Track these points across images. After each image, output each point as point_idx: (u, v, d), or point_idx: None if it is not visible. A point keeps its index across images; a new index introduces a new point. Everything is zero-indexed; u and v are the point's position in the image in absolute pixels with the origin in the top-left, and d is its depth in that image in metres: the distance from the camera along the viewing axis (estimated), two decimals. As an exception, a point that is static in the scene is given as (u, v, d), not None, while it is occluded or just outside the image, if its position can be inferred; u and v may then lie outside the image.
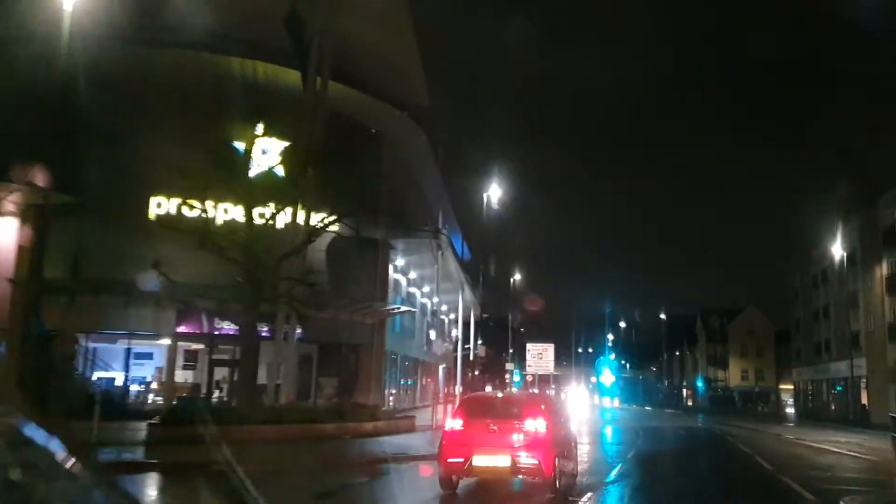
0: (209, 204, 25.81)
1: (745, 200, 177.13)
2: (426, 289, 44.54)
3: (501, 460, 11.32)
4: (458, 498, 12.05)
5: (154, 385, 31.32)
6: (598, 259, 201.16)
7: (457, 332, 50.01)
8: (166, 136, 24.02)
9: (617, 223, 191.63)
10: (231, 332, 27.32)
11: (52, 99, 19.09)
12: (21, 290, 21.11)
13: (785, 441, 30.26)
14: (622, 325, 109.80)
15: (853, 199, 52.06)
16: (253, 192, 22.30)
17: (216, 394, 30.22)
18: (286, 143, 25.54)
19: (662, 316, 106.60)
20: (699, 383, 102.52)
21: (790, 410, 78.50)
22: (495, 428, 11.60)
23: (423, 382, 48.38)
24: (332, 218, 23.33)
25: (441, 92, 40.71)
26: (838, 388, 61.17)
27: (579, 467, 14.58)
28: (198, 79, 24.43)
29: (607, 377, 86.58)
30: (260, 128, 25.02)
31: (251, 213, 22.02)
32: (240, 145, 22.74)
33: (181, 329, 28.40)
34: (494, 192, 38.52)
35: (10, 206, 21.93)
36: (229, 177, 21.94)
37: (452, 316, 52.69)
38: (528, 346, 48.63)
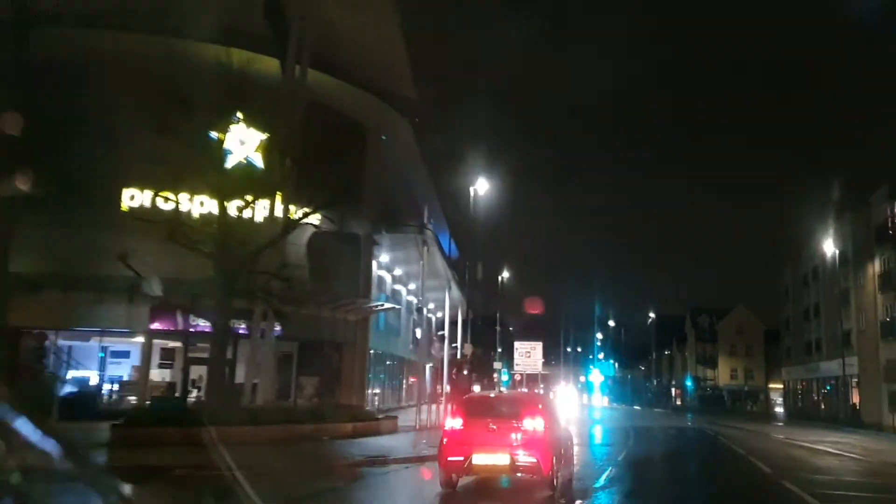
0: (184, 196, 24.99)
1: (735, 200, 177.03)
2: (412, 286, 43.59)
3: (501, 459, 11.51)
4: (457, 496, 12.12)
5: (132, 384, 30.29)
6: (588, 258, 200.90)
7: (443, 331, 49.15)
8: (138, 126, 22.98)
9: (606, 222, 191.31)
10: (208, 330, 26.32)
11: (15, 87, 18.15)
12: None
13: (778, 441, 29.46)
14: (611, 324, 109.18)
15: (844, 196, 51.51)
16: (227, 182, 21.34)
17: (194, 393, 29.24)
18: (264, 134, 24.63)
19: (652, 315, 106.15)
20: (688, 382, 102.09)
21: (779, 410, 78.09)
22: (494, 427, 11.76)
23: (409, 382, 47.45)
24: (307, 210, 22.34)
25: (429, 86, 39.71)
26: (828, 388, 60.64)
27: None
28: (169, 66, 23.39)
29: (596, 377, 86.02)
30: (237, 117, 24.23)
31: (224, 204, 21.06)
32: (214, 135, 21.83)
33: (155, 326, 27.35)
34: (482, 188, 37.59)
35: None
36: (202, 167, 20.98)
37: (440, 314, 51.80)
38: (516, 344, 47.76)
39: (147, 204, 26.47)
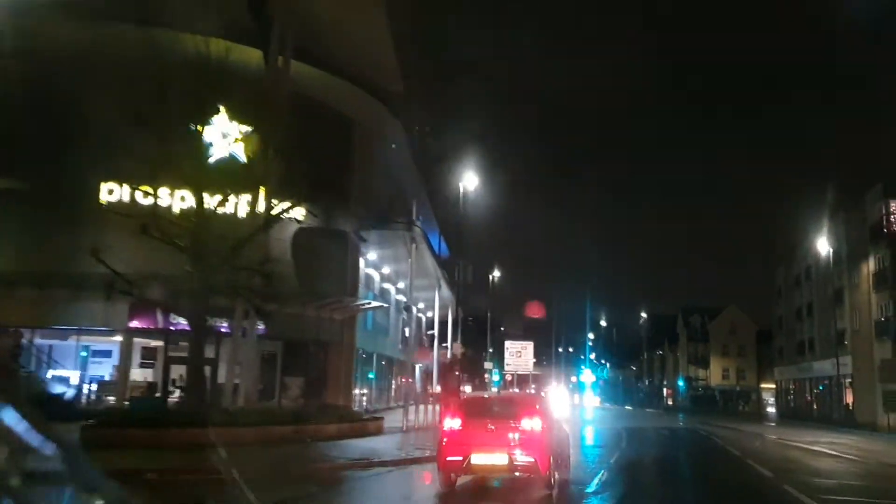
0: (164, 191, 24.30)
1: (728, 199, 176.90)
2: (401, 285, 42.85)
3: (499, 458, 11.68)
4: (455, 496, 12.25)
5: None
6: (579, 258, 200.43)
7: (433, 331, 48.49)
8: (115, 119, 22.22)
9: (598, 222, 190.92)
10: (189, 329, 25.62)
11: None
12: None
13: (774, 442, 28.81)
14: (603, 323, 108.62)
15: (839, 195, 51.03)
16: (206, 175, 20.61)
17: (176, 393, 28.50)
18: (247, 127, 23.95)
19: (643, 315, 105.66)
20: (680, 382, 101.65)
21: (771, 410, 77.65)
22: (493, 427, 11.94)
23: (399, 382, 46.69)
24: (288, 204, 21.62)
25: (418, 82, 38.85)
26: (820, 388, 60.17)
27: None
28: (147, 57, 22.70)
29: (588, 377, 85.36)
30: (219, 110, 23.53)
31: (202, 197, 20.33)
32: (192, 127, 21.12)
33: (134, 324, 26.59)
34: (472, 185, 36.89)
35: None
36: (180, 159, 20.25)
37: (430, 314, 51.11)
38: (507, 344, 47.06)
39: (126, 199, 25.71)
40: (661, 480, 16.43)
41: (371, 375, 41.19)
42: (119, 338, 27.61)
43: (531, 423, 11.94)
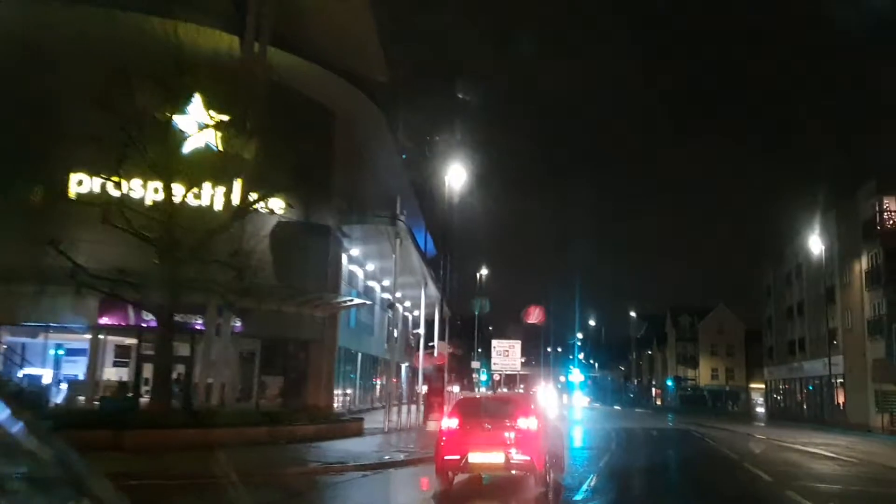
0: (137, 182, 23.28)
1: (717, 198, 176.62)
2: (386, 282, 41.80)
3: (496, 457, 11.86)
4: (453, 494, 12.36)
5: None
6: (568, 258, 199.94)
7: (419, 330, 47.46)
8: (84, 107, 21.14)
9: (587, 221, 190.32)
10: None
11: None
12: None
13: (768, 444, 27.84)
14: (592, 323, 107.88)
15: (830, 192, 50.38)
16: (173, 164, 19.56)
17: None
18: (222, 116, 22.91)
19: (632, 314, 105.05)
20: (669, 382, 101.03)
21: (760, 410, 77.00)
22: (489, 427, 12.17)
23: (384, 382, 45.62)
24: (259, 195, 20.61)
25: (404, 75, 37.87)
26: (810, 388, 59.54)
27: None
28: (114, 41, 21.68)
29: (576, 376, 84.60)
30: (192, 97, 22.47)
31: (170, 186, 19.31)
32: (162, 114, 20.10)
33: (104, 321, 25.46)
34: (459, 181, 35.91)
35: None
36: (148, 147, 19.21)
37: (417, 313, 50.08)
38: (494, 343, 46.16)
39: (97, 189, 24.62)
40: (655, 487, 15.32)
41: (356, 376, 40.25)
42: (100, 335, 26.53)
43: (527, 423, 12.12)
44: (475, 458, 11.93)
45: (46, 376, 27.55)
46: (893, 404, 41.46)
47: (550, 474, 12.48)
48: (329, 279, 30.14)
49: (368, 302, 36.29)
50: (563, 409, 60.34)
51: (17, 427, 1.69)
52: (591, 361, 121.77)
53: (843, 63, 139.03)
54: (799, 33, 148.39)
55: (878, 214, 43.94)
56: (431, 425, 29.15)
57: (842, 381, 49.93)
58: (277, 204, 26.96)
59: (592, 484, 14.13)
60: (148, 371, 27.26)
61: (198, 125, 21.89)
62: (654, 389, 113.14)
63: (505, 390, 60.90)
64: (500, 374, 52.85)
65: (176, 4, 22.13)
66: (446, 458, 12.15)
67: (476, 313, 59.63)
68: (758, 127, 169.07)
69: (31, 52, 22.87)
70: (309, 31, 27.89)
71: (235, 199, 22.34)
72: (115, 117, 18.37)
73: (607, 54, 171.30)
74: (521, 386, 77.28)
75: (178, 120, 21.21)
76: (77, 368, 28.75)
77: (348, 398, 37.45)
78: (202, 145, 22.08)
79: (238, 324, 26.06)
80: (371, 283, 41.70)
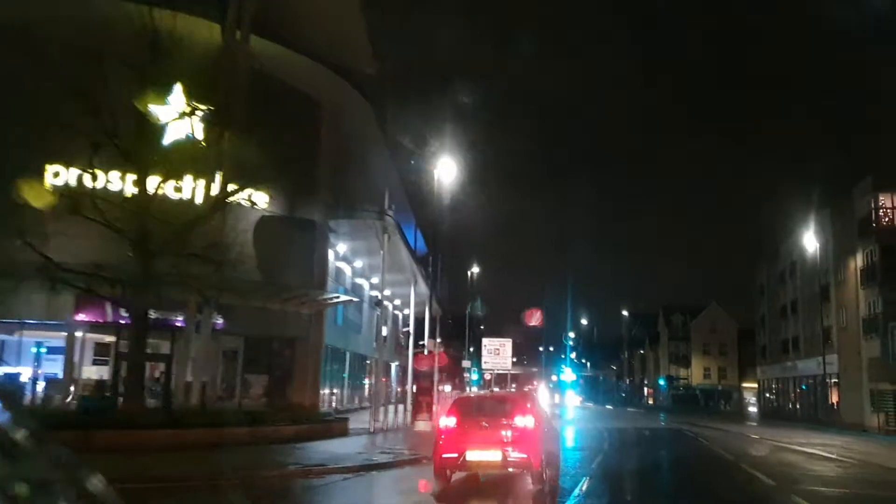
0: (115, 174, 22.51)
1: (710, 197, 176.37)
2: (375, 280, 41.02)
3: (493, 455, 11.95)
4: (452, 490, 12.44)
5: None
6: (560, 257, 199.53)
7: (408, 328, 46.77)
8: (54, 95, 20.34)
9: (582, 221, 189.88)
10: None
11: None
12: None
13: (765, 444, 27.08)
14: (584, 322, 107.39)
15: (825, 190, 49.81)
16: (148, 154, 18.78)
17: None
18: (203, 105, 22.14)
19: (625, 313, 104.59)
20: (661, 382, 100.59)
21: (752, 409, 76.51)
22: (487, 425, 12.30)
23: (373, 381, 44.85)
24: (237, 186, 19.85)
25: (391, 65, 37.09)
26: (803, 387, 59.03)
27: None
28: (83, 24, 20.87)
29: (568, 376, 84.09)
30: (170, 86, 21.68)
31: (145, 177, 18.53)
32: (138, 104, 19.31)
33: (80, 317, 24.63)
34: (451, 177, 35.16)
35: None
36: (119, 137, 18.43)
37: (407, 311, 49.35)
38: (484, 341, 45.38)
39: (73, 182, 23.80)
40: (650, 492, 14.53)
41: (344, 375, 39.55)
42: (77, 332, 25.72)
43: (524, 421, 12.24)
44: (473, 456, 11.99)
45: (25, 374, 26.71)
46: (889, 404, 40.88)
47: (546, 473, 12.56)
48: (315, 275, 29.36)
49: (356, 299, 35.51)
50: (555, 409, 59.66)
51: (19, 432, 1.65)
52: (584, 361, 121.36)
53: (842, 61, 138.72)
54: (800, 33, 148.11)
55: (873, 211, 43.34)
56: (419, 425, 28.47)
57: (836, 380, 49.37)
58: (262, 198, 26.33)
59: (584, 488, 13.40)
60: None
61: (176, 114, 21.12)
62: (646, 389, 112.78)
63: (496, 390, 60.24)
64: (491, 374, 52.09)
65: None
66: (444, 456, 12.20)
67: (468, 313, 58.97)
68: (754, 126, 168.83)
69: (8, 43, 22.02)
70: (295, 20, 27.10)
71: (215, 191, 21.56)
72: (87, 104, 17.60)
73: (605, 52, 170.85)
74: (513, 385, 76.60)
75: (156, 109, 20.43)
76: (57, 366, 27.87)
77: (336, 398, 36.72)
78: (180, 135, 21.32)
79: (220, 321, 25.29)
80: (359, 281, 40.95)
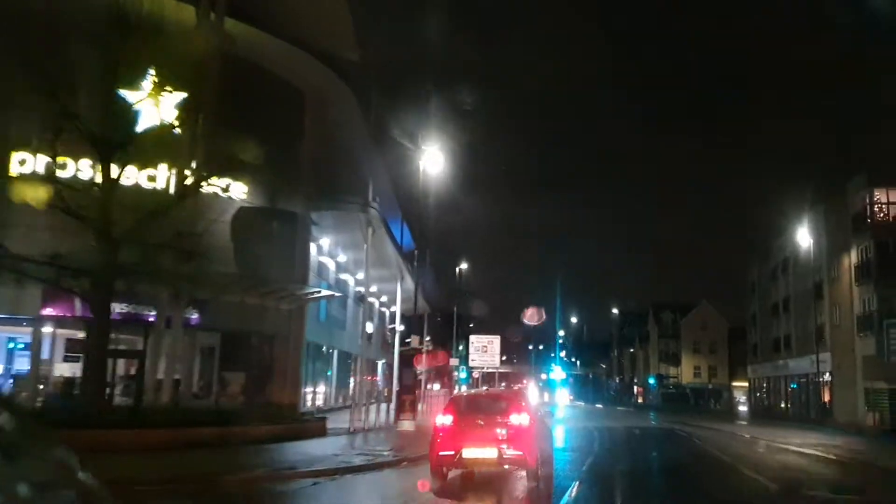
0: (86, 162, 21.47)
1: (700, 194, 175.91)
2: (361, 275, 39.94)
3: (489, 452, 12.10)
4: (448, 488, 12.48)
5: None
6: (549, 254, 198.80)
7: (394, 325, 45.74)
8: (13, 75, 19.26)
9: (570, 218, 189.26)
10: (116, 317, 22.62)
11: None
12: None
13: (760, 445, 26.17)
14: (573, 320, 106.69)
15: (818, 185, 49.10)
16: (113, 138, 17.73)
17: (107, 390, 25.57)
18: (172, 91, 21.15)
19: (615, 311, 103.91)
20: (651, 380, 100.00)
21: (743, 408, 75.82)
22: (482, 423, 12.50)
23: (358, 379, 43.80)
24: (205, 173, 18.85)
25: (377, 54, 36.06)
26: (794, 385, 58.39)
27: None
28: (48, 4, 19.83)
29: (558, 374, 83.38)
30: (141, 68, 20.62)
31: (109, 162, 17.49)
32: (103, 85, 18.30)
33: (48, 312, 23.53)
34: (440, 173, 34.23)
35: None
36: (82, 119, 17.41)
37: (394, 309, 48.33)
38: (472, 338, 44.41)
39: (36, 169, 22.71)
40: (646, 498, 13.55)
41: (329, 372, 38.62)
42: (47, 328, 24.65)
43: (519, 419, 12.42)
44: (469, 453, 12.11)
45: (-4, 371, 25.77)
46: (884, 403, 40.15)
47: (541, 469, 12.72)
48: (296, 269, 28.31)
49: (338, 294, 34.45)
50: (545, 407, 58.76)
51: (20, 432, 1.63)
52: (573, 359, 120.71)
53: (838, 58, 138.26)
54: (801, 34, 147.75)
55: (868, 207, 42.59)
56: (403, 425, 27.52)
57: (829, 379, 48.65)
58: (240, 188, 25.38)
59: (574, 494, 12.45)
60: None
61: (144, 97, 20.11)
62: (635, 387, 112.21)
63: (486, 388, 59.33)
64: (479, 372, 51.18)
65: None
66: (441, 453, 12.33)
67: (456, 311, 58.05)
68: (747, 124, 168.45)
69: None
70: (276, 5, 26.12)
71: (186, 180, 20.53)
72: (46, 84, 16.57)
73: (590, 46, 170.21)
74: (503, 384, 75.72)
75: (123, 92, 19.38)
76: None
77: (319, 396, 35.75)
78: (149, 120, 20.29)
79: (195, 316, 24.27)
80: (344, 276, 39.90)
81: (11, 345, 27.38)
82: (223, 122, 20.45)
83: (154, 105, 20.40)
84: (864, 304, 43.20)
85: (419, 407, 35.15)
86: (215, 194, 24.87)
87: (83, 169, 21.42)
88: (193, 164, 20.70)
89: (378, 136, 39.44)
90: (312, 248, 31.34)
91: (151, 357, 22.85)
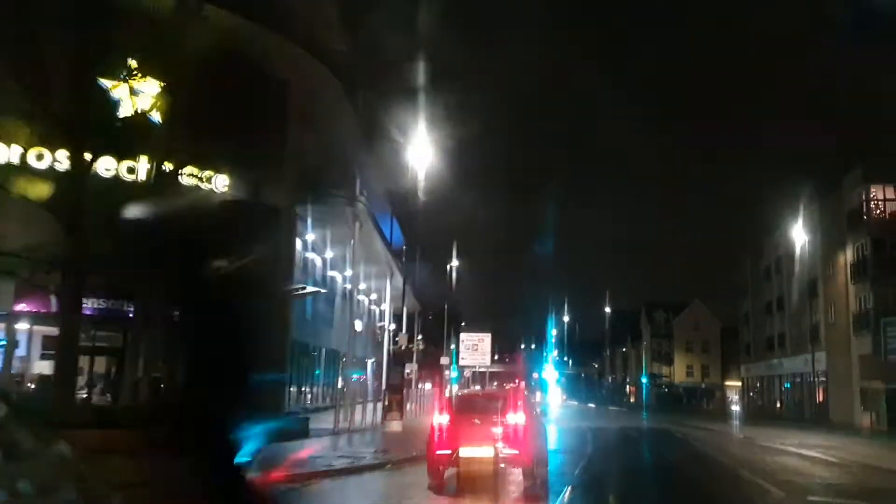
0: (63, 153, 20.69)
1: (693, 192, 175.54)
2: (349, 272, 39.13)
3: (486, 451, 12.18)
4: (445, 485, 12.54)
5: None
6: (541, 253, 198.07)
7: (383, 323, 44.95)
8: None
9: (560, 216, 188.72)
10: (88, 312, 21.90)
11: None
12: None
13: (759, 447, 25.24)
14: (566, 319, 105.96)
15: (813, 182, 48.49)
16: (84, 124, 16.90)
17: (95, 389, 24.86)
18: (147, 79, 20.40)
19: (607, 310, 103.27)
20: (644, 380, 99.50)
21: (735, 408, 75.28)
22: (479, 422, 12.74)
23: (347, 378, 42.95)
24: (178, 162, 18.07)
25: (367, 45, 35.22)
26: (787, 385, 57.90)
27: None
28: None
29: (550, 373, 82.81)
30: (120, 55, 19.84)
31: (80, 151, 16.68)
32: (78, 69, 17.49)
33: (21, 307, 22.73)
34: (428, 165, 33.46)
35: None
36: (51, 104, 16.59)
37: (384, 307, 47.54)
38: (462, 336, 43.55)
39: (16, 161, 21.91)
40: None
41: (317, 371, 37.86)
42: (24, 325, 23.89)
43: (515, 418, 12.54)
44: (466, 452, 12.20)
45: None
46: (880, 403, 39.55)
47: (537, 468, 12.94)
48: (280, 265, 27.51)
49: (323, 290, 33.64)
50: (537, 407, 58.08)
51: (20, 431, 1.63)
52: (566, 358, 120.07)
53: (838, 57, 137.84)
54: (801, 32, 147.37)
55: (864, 203, 42.04)
56: (391, 425, 26.76)
57: (824, 378, 48.08)
58: (222, 180, 24.73)
59: (567, 498, 11.69)
60: (82, 363, 24.73)
61: (119, 83, 19.30)
62: (628, 386, 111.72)
63: (478, 388, 58.59)
64: (470, 371, 50.40)
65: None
66: (438, 452, 12.50)
67: (447, 308, 57.17)
68: (741, 121, 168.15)
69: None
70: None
71: (164, 171, 19.74)
72: (11, 68, 15.76)
73: (584, 46, 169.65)
74: (494, 383, 75.03)
75: (96, 77, 18.58)
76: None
77: (306, 395, 34.96)
78: (123, 106, 19.52)
79: (177, 312, 23.50)
80: (332, 273, 39.07)
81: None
82: (204, 112, 19.69)
83: (129, 92, 19.69)
84: (860, 303, 42.65)
85: (408, 407, 34.42)
86: (196, 186, 24.20)
87: (60, 160, 20.73)
88: (170, 154, 19.99)
89: (368, 131, 38.68)
90: (298, 243, 30.61)
91: (130, 355, 22.12)
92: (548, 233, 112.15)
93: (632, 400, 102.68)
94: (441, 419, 12.89)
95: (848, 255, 44.14)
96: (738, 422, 51.03)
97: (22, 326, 23.90)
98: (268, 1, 25.73)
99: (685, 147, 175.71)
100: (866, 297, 41.72)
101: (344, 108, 32.29)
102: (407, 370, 40.27)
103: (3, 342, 26.09)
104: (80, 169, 16.43)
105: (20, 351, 24.73)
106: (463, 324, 68.71)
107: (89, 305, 21.71)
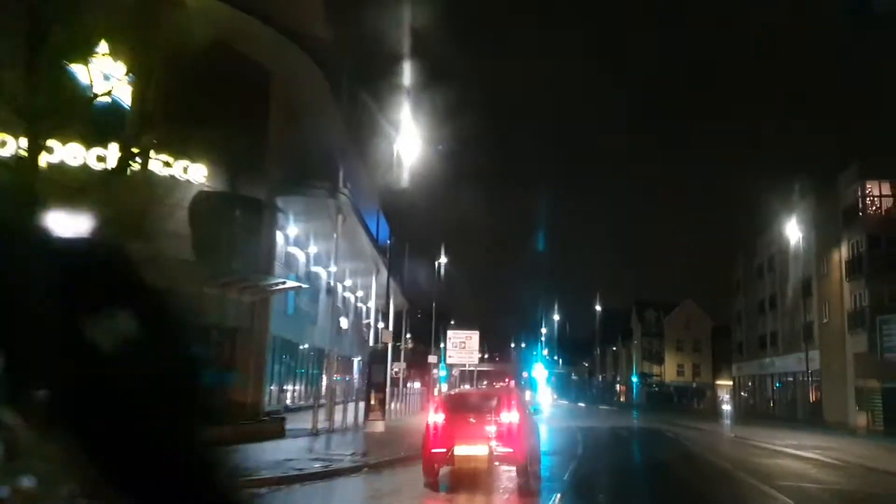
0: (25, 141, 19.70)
1: (685, 190, 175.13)
2: (334, 268, 38.13)
3: (480, 449, 12.38)
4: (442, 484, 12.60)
5: None
6: (533, 251, 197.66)
7: (369, 320, 44.00)
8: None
9: (552, 215, 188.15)
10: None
11: None
12: None
13: (756, 447, 24.41)
14: (556, 318, 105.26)
15: (808, 178, 47.79)
16: (37, 107, 15.91)
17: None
18: (117, 62, 19.47)
19: (598, 308, 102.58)
20: (634, 379, 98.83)
21: (727, 407, 74.63)
22: (474, 421, 12.82)
23: (332, 377, 41.97)
24: (136, 149, 17.12)
25: (353, 35, 34.29)
26: (778, 385, 57.22)
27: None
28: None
29: (540, 372, 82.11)
30: (83, 35, 18.82)
31: (35, 135, 15.69)
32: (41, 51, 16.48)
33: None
34: (416, 159, 32.56)
35: None
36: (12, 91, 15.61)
37: (371, 304, 46.58)
38: (450, 333, 42.61)
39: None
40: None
41: (301, 370, 36.84)
42: None
43: (509, 417, 12.73)
44: (460, 450, 12.34)
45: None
46: (876, 402, 38.79)
47: (530, 466, 13.00)
48: (260, 258, 26.47)
49: (305, 286, 32.65)
50: (527, 406, 57.10)
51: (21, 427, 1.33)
52: (556, 357, 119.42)
53: (838, 56, 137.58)
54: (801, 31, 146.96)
55: (860, 200, 41.26)
56: (372, 426, 25.85)
57: (817, 377, 47.34)
58: (199, 171, 23.83)
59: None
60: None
61: (105, 78, 18.44)
62: (618, 386, 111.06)
63: (468, 387, 57.74)
64: (458, 370, 49.51)
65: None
66: (433, 451, 12.56)
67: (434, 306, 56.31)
68: (734, 119, 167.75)
69: None
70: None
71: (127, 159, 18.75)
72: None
73: (574, 48, 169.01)
74: (484, 382, 74.20)
75: (57, 58, 17.56)
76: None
77: (287, 394, 33.93)
78: (86, 89, 18.56)
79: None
80: (316, 269, 38.01)
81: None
82: (180, 99, 18.73)
83: (102, 77, 18.76)
84: (855, 300, 41.91)
85: (394, 406, 33.48)
86: (172, 177, 23.24)
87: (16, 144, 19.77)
88: (140, 141, 19.02)
89: (355, 125, 37.74)
90: (280, 237, 29.57)
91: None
92: (539, 231, 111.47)
93: (622, 399, 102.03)
94: (436, 418, 12.94)
95: (843, 253, 43.38)
96: (730, 421, 50.31)
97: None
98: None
99: (678, 147, 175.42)
100: (861, 295, 40.98)
101: (327, 99, 31.32)
102: (395, 369, 39.42)
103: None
104: (35, 154, 15.48)
105: None
106: (453, 322, 67.89)
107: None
